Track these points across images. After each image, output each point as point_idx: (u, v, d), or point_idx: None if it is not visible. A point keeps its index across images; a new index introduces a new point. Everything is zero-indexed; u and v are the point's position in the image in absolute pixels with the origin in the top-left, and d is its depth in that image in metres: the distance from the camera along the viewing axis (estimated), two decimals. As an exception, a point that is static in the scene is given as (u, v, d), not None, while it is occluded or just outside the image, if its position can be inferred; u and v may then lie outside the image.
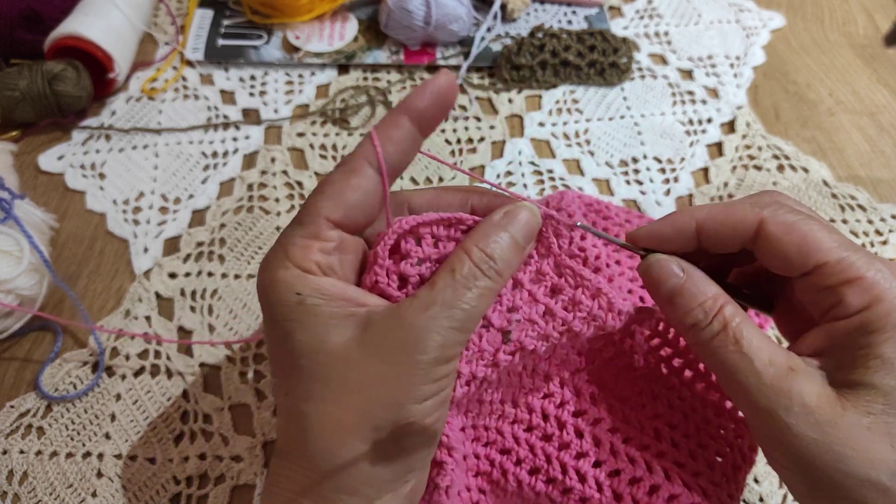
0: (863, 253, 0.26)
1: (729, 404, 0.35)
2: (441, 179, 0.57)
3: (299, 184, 0.56)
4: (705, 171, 0.59)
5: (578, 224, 0.31)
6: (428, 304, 0.26)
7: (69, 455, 0.42)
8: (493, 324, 0.29)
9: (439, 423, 0.27)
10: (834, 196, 0.57)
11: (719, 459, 0.33)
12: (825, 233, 0.26)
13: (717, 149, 0.61)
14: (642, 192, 0.57)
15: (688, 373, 0.35)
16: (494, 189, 0.32)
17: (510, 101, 0.63)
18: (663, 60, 0.68)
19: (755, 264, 0.31)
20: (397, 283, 0.29)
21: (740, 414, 0.34)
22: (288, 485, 0.26)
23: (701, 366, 0.35)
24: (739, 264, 0.32)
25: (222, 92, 0.63)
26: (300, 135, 0.60)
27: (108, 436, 0.43)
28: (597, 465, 0.32)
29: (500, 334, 0.29)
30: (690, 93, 0.65)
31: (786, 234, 0.27)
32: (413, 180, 0.57)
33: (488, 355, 0.29)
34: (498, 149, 0.60)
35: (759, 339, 0.27)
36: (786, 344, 0.30)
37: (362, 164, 0.28)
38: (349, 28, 0.67)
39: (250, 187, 0.56)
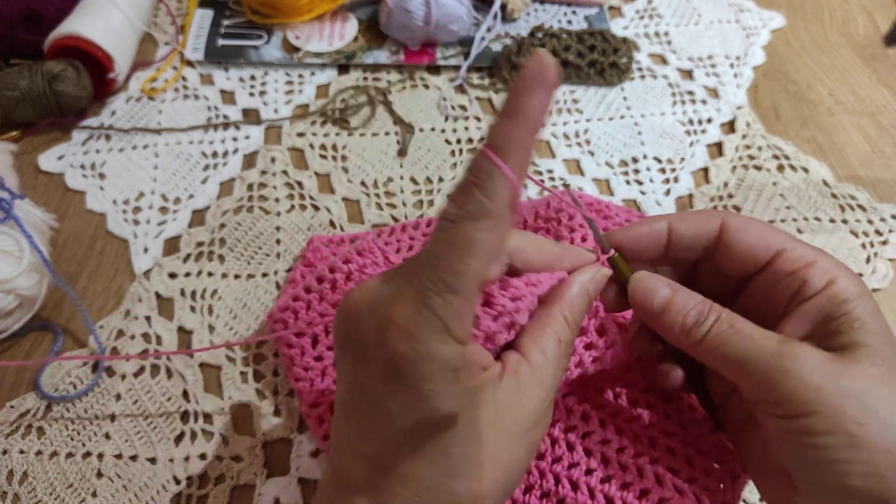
0: (809, 245, 0.29)
1: None
2: (441, 179, 0.57)
3: (299, 184, 0.56)
4: (705, 171, 0.59)
5: (573, 201, 0.32)
6: (543, 375, 0.27)
7: (69, 455, 0.42)
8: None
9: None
10: (834, 196, 0.57)
11: (717, 466, 0.33)
12: (775, 230, 0.30)
13: (717, 149, 0.61)
14: (642, 192, 0.57)
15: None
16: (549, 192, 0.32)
17: (510, 101, 0.63)
18: (663, 60, 0.68)
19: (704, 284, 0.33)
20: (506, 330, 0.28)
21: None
22: None
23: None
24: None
25: (222, 92, 0.63)
26: (300, 135, 0.60)
27: (108, 436, 0.43)
28: (588, 472, 0.32)
29: None
30: (690, 93, 0.65)
31: (746, 228, 0.30)
32: (413, 180, 0.57)
33: None
34: (498, 149, 0.60)
35: (752, 324, 0.28)
36: None
37: (504, 211, 0.23)
38: (349, 28, 0.67)
39: (250, 187, 0.56)
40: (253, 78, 0.64)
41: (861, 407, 0.25)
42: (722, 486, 0.32)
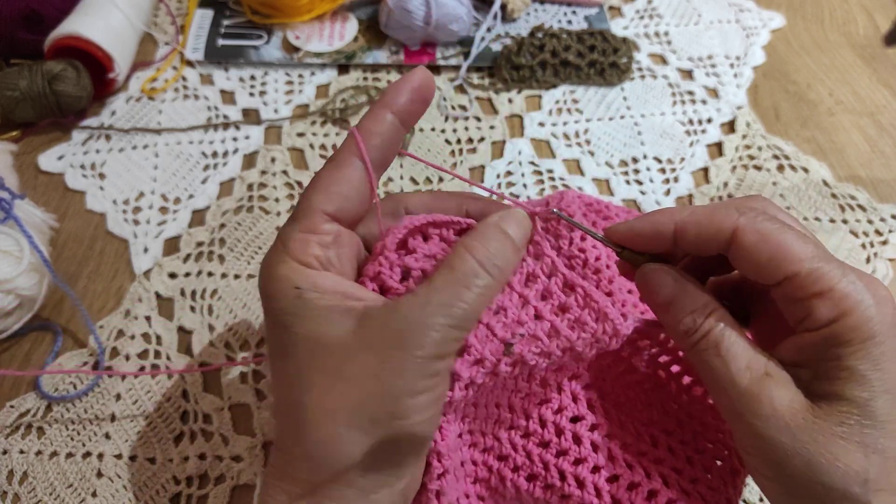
0: (836, 264, 0.26)
1: None
2: (441, 180, 0.57)
3: (299, 184, 0.56)
4: (705, 171, 0.59)
5: (554, 211, 0.32)
6: (426, 301, 0.26)
7: (69, 455, 0.42)
8: (497, 334, 0.29)
9: (433, 421, 0.27)
10: (834, 196, 0.57)
11: (719, 463, 0.33)
12: (799, 243, 0.26)
13: (717, 149, 0.61)
14: (642, 192, 0.57)
15: (686, 378, 0.35)
16: (489, 193, 0.32)
17: (510, 101, 0.63)
18: (663, 60, 0.68)
19: (734, 274, 0.32)
20: (399, 276, 0.29)
21: None
22: (284, 475, 0.27)
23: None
24: (718, 272, 0.33)
25: (222, 92, 0.63)
26: (300, 135, 0.60)
27: (108, 436, 0.43)
28: (595, 470, 0.32)
29: (503, 345, 0.29)
30: (690, 93, 0.65)
31: (759, 243, 0.27)
32: (413, 180, 0.57)
33: (489, 364, 0.29)
34: (498, 149, 0.60)
35: (740, 344, 0.27)
36: None
37: (349, 158, 0.29)
38: (349, 28, 0.67)
39: (250, 187, 0.56)
40: (253, 78, 0.64)
41: (807, 467, 0.25)
42: (723, 482, 0.32)
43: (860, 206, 0.56)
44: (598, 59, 0.64)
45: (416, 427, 0.26)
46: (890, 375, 0.25)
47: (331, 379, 0.26)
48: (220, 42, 0.65)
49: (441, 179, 0.57)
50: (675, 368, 0.35)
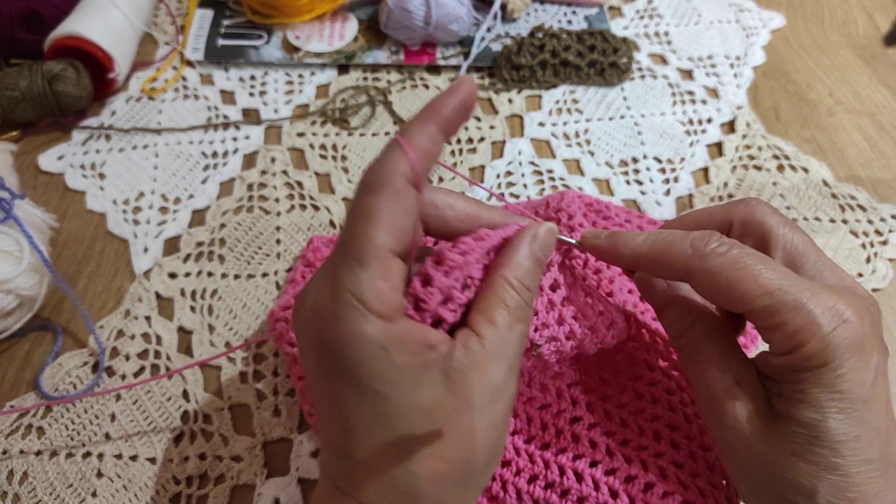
0: (794, 293, 0.25)
1: None
2: (441, 179, 0.57)
3: (299, 184, 0.56)
4: (705, 171, 0.59)
5: (571, 241, 0.31)
6: (499, 346, 0.26)
7: (69, 455, 0.42)
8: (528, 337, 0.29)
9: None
10: (834, 196, 0.57)
11: (719, 462, 0.33)
12: (751, 279, 0.26)
13: (717, 149, 0.61)
14: (642, 192, 0.57)
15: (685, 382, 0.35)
16: (488, 194, 0.32)
17: (510, 101, 0.63)
18: (663, 60, 0.68)
19: None
20: (461, 287, 0.28)
21: None
22: None
23: None
24: None
25: (222, 92, 0.63)
26: (300, 135, 0.60)
27: (108, 436, 0.43)
28: (593, 465, 0.32)
29: (531, 345, 0.29)
30: (690, 93, 0.65)
31: (710, 284, 0.27)
32: (413, 180, 0.57)
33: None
34: (498, 149, 0.60)
35: (717, 353, 0.29)
36: None
37: (403, 184, 0.25)
38: (349, 28, 0.67)
39: (250, 187, 0.56)
40: (253, 78, 0.64)
41: (761, 474, 0.27)
42: (725, 481, 0.33)
43: (860, 206, 0.56)
44: (598, 59, 0.64)
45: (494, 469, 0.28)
46: (849, 395, 0.25)
47: (439, 446, 0.25)
48: (220, 42, 0.65)
49: (441, 179, 0.57)
50: (674, 373, 0.35)
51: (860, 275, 0.52)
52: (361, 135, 0.60)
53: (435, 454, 0.25)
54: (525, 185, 0.57)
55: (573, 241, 0.31)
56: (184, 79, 0.64)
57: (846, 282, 0.29)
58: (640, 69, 0.66)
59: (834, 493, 0.25)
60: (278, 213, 0.54)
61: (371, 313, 0.24)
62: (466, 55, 0.65)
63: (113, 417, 0.44)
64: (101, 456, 0.42)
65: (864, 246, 0.54)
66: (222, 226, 0.53)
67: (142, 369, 0.46)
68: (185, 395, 0.45)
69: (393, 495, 0.25)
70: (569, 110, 0.63)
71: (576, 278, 0.32)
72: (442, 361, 0.25)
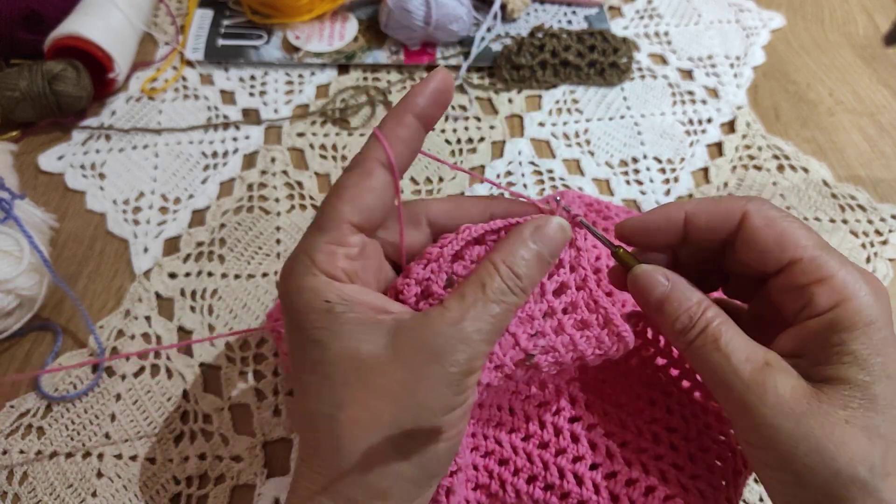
0: (836, 255, 0.27)
1: None
2: (441, 179, 0.57)
3: (299, 184, 0.56)
4: (705, 171, 0.59)
5: (581, 221, 0.31)
6: (459, 317, 0.26)
7: (69, 455, 0.42)
8: (520, 344, 0.29)
9: (462, 433, 0.28)
10: (834, 196, 0.57)
11: (719, 464, 0.33)
12: (803, 231, 0.27)
13: (717, 149, 0.61)
14: (642, 192, 0.57)
15: (685, 383, 0.35)
16: (493, 187, 0.32)
17: (510, 101, 0.63)
18: (663, 60, 0.68)
19: (730, 277, 0.32)
20: (444, 283, 0.29)
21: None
22: (314, 488, 0.26)
23: (698, 375, 0.35)
24: (717, 274, 0.33)
25: (222, 92, 0.63)
26: (300, 135, 0.60)
27: (108, 436, 0.43)
28: (593, 467, 0.32)
29: (525, 355, 0.29)
30: (690, 93, 0.65)
31: (766, 227, 0.28)
32: (413, 180, 0.57)
33: (508, 369, 0.29)
34: (498, 149, 0.60)
35: (738, 338, 0.28)
36: None
37: (375, 166, 0.28)
38: (349, 28, 0.67)
39: (250, 187, 0.56)
40: (253, 78, 0.64)
41: (814, 452, 0.25)
42: (724, 482, 0.32)
43: (860, 206, 0.56)
44: (598, 59, 0.64)
45: (450, 440, 0.27)
46: (890, 360, 0.25)
47: (365, 394, 0.26)
48: (220, 42, 0.65)
49: (441, 179, 0.57)
50: (673, 371, 0.35)
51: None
52: (361, 135, 0.60)
53: (358, 402, 0.26)
54: (525, 185, 0.57)
55: (599, 234, 0.31)
56: (184, 79, 0.64)
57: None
58: (640, 69, 0.66)
59: (887, 464, 0.24)
60: (278, 213, 0.54)
61: (318, 270, 0.27)
62: (466, 55, 0.65)
63: (113, 417, 0.44)
64: (101, 456, 0.42)
65: (864, 246, 0.54)
66: (222, 226, 0.53)
67: (142, 369, 0.46)
68: (185, 395, 0.45)
69: (316, 436, 0.27)
70: (569, 110, 0.63)
71: (587, 283, 0.31)
72: (393, 322, 0.27)
